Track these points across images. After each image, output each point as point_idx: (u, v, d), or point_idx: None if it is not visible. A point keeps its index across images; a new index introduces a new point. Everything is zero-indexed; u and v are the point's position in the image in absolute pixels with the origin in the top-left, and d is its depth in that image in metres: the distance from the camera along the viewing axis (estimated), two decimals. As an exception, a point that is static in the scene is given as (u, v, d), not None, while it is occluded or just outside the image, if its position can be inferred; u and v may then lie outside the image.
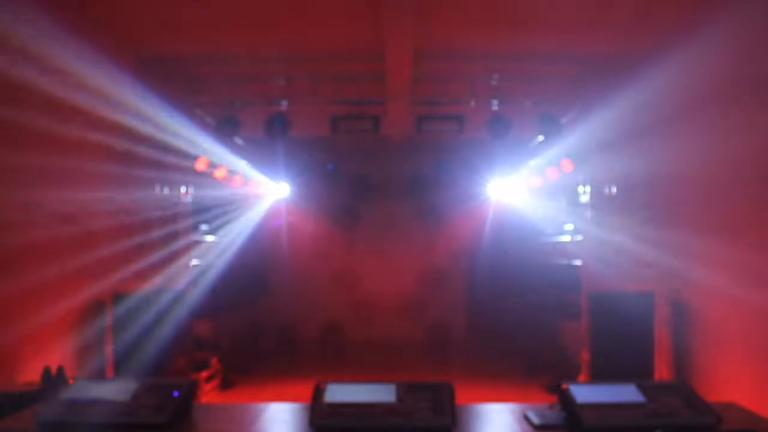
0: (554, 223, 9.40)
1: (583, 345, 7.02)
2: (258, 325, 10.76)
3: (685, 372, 6.20)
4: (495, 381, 8.41)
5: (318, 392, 2.94)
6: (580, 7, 5.31)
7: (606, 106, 6.47)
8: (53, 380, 5.00)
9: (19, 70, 4.59)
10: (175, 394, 2.94)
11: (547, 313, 9.35)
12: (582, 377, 6.96)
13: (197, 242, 8.48)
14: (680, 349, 6.34)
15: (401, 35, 5.65)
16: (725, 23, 4.66)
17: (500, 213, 10.61)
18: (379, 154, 10.74)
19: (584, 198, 8.48)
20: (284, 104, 7.38)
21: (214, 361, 8.05)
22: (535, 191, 9.59)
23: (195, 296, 7.23)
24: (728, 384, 5.35)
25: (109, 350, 5.96)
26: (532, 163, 8.90)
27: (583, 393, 2.92)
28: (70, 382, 3.10)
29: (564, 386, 2.96)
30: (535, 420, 2.89)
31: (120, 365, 5.88)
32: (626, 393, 2.96)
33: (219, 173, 8.36)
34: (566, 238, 9.11)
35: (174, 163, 7.56)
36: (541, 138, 8.27)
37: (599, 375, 6.52)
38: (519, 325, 10.18)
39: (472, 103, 7.30)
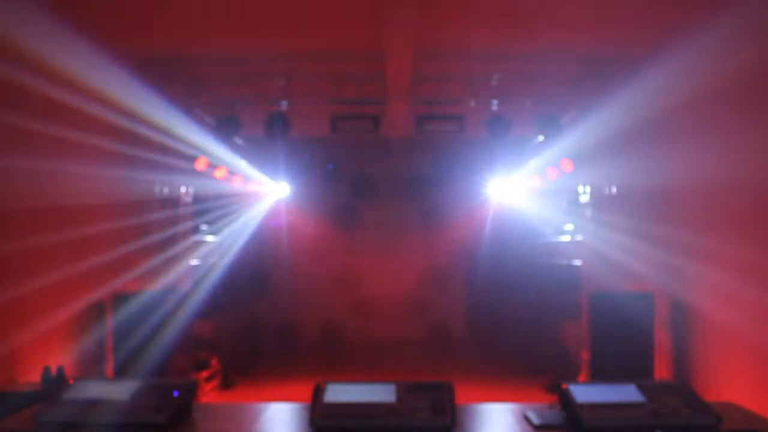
0: (554, 223, 9.40)
1: (583, 345, 7.03)
2: (258, 325, 10.76)
3: (685, 372, 6.20)
4: (495, 381, 8.41)
5: (318, 392, 2.94)
6: (580, 7, 5.30)
7: (606, 106, 6.47)
8: (53, 380, 5.01)
9: (19, 72, 4.59)
10: (175, 394, 2.94)
11: (547, 313, 9.35)
12: (582, 377, 6.96)
13: (197, 242, 8.48)
14: (680, 349, 6.34)
15: (401, 35, 5.64)
16: (726, 23, 4.66)
17: (500, 213, 10.61)
18: (379, 154, 10.73)
19: (584, 198, 8.48)
20: (284, 104, 7.38)
21: (214, 361, 8.05)
22: (535, 191, 9.59)
23: (195, 296, 7.24)
24: (728, 384, 5.35)
25: (109, 351, 5.96)
26: (532, 163, 8.90)
27: (583, 393, 2.92)
28: (70, 382, 3.10)
29: (564, 386, 2.96)
30: (535, 420, 2.89)
31: (120, 365, 5.88)
32: (626, 393, 2.96)
33: (219, 173, 8.36)
34: (566, 238, 9.10)
35: (174, 164, 7.56)
36: (541, 138, 8.27)
37: (599, 375, 6.52)
38: (519, 325, 10.17)
39: (472, 103, 7.30)
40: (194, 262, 8.16)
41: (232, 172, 8.80)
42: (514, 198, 9.97)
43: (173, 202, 7.87)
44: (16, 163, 4.86)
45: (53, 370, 5.12)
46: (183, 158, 7.54)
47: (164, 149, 7.09)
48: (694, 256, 5.86)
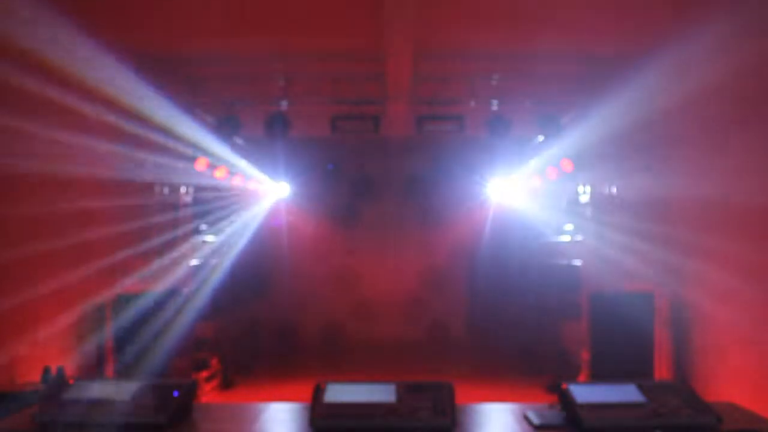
0: (554, 223, 9.40)
1: (583, 345, 7.02)
2: (258, 325, 10.75)
3: (685, 372, 6.20)
4: (495, 381, 8.41)
5: (318, 392, 2.94)
6: (580, 7, 5.31)
7: (606, 106, 6.47)
8: (53, 380, 5.00)
9: (17, 73, 4.59)
10: (175, 394, 2.94)
11: (547, 313, 9.35)
12: (582, 377, 6.96)
13: (197, 243, 8.48)
14: (680, 349, 6.34)
15: (401, 35, 5.65)
16: (726, 23, 4.66)
17: (500, 213, 10.61)
18: (379, 154, 10.73)
19: (584, 198, 8.48)
20: (284, 104, 7.38)
21: (214, 361, 8.05)
22: (535, 191, 9.59)
23: (195, 297, 7.24)
24: (728, 384, 5.35)
25: (109, 351, 5.96)
26: (532, 163, 8.90)
27: (583, 393, 2.92)
28: (70, 382, 3.10)
29: (564, 386, 2.96)
30: (535, 420, 2.89)
31: (120, 366, 5.88)
32: (626, 393, 2.96)
33: (219, 173, 8.36)
34: (566, 238, 9.10)
35: (174, 164, 7.56)
36: (541, 138, 8.27)
37: (599, 375, 6.52)
38: (519, 325, 10.17)
39: (472, 103, 7.30)
40: (194, 262, 8.16)
41: (232, 172, 8.80)
42: (514, 198, 9.97)
43: (173, 202, 7.87)
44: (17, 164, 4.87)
45: (53, 370, 5.13)
46: (183, 158, 7.54)
47: (164, 149, 7.09)
48: (694, 254, 5.86)
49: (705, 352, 5.92)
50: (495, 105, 7.32)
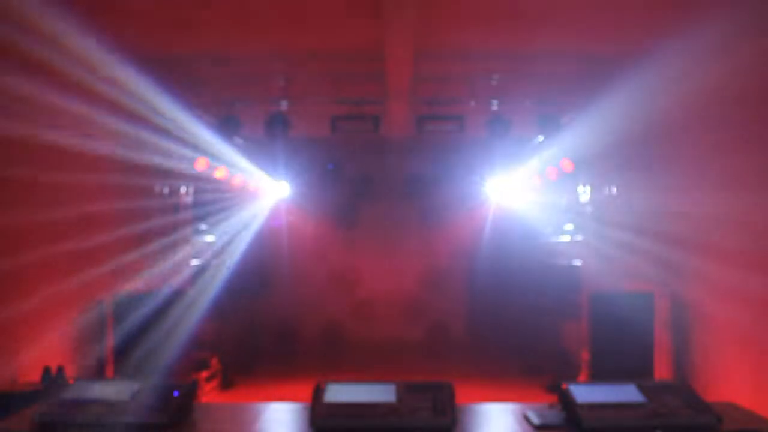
0: (554, 223, 9.40)
1: (583, 345, 7.03)
2: (258, 325, 10.76)
3: (685, 372, 6.20)
4: (495, 381, 8.41)
5: (318, 392, 2.94)
6: (580, 7, 5.31)
7: (606, 106, 6.47)
8: (53, 380, 5.01)
9: (17, 75, 4.59)
10: (175, 394, 2.94)
11: (547, 313, 9.35)
12: (582, 377, 6.96)
13: (197, 243, 8.48)
14: (680, 349, 6.34)
15: (401, 35, 5.64)
16: (726, 22, 4.66)
17: (500, 213, 10.61)
18: (379, 154, 10.73)
19: (584, 198, 8.48)
20: (284, 104, 7.38)
21: (214, 361, 8.05)
22: (535, 191, 9.59)
23: (195, 297, 7.24)
24: (728, 384, 5.35)
25: (109, 351, 5.96)
26: (532, 163, 8.90)
27: (583, 393, 2.92)
28: (70, 382, 3.10)
29: (564, 386, 2.96)
30: (535, 420, 2.90)
31: (120, 366, 5.88)
32: (626, 393, 2.97)
33: (219, 173, 8.36)
34: (566, 238, 9.11)
35: (174, 164, 7.56)
36: (541, 138, 8.27)
37: (599, 375, 6.52)
38: (519, 325, 10.17)
39: (472, 103, 7.29)
40: (194, 262, 8.17)
41: (232, 172, 8.80)
42: (514, 198, 9.97)
43: (173, 202, 7.87)
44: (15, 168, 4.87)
45: (53, 370, 5.12)
46: (183, 158, 7.54)
47: (164, 149, 7.09)
48: (694, 254, 5.86)
49: (705, 352, 5.92)
50: (495, 105, 7.32)
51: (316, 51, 6.53)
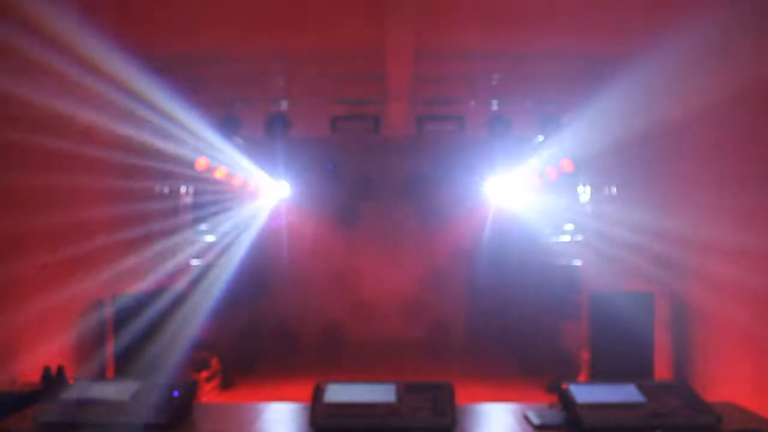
0: (554, 223, 9.40)
1: (583, 345, 7.02)
2: (258, 325, 10.76)
3: (685, 372, 6.20)
4: (495, 381, 8.41)
5: (318, 392, 2.94)
6: (580, 7, 5.31)
7: (606, 106, 6.47)
8: (53, 380, 5.00)
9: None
10: (175, 394, 2.94)
11: (547, 313, 9.35)
12: (582, 377, 6.96)
13: (197, 242, 8.48)
14: (680, 349, 6.34)
15: (401, 35, 5.64)
16: (727, 21, 4.66)
17: (500, 213, 10.61)
18: (379, 154, 10.73)
19: (584, 198, 8.48)
20: (284, 104, 7.38)
21: (214, 361, 8.05)
22: (535, 191, 9.59)
23: (195, 297, 7.24)
24: (728, 384, 5.35)
25: (109, 351, 5.96)
26: (532, 163, 8.90)
27: (583, 393, 2.92)
28: (70, 382, 3.10)
29: (564, 386, 2.96)
30: (535, 420, 2.90)
31: (120, 366, 5.88)
32: (626, 393, 2.97)
33: (219, 173, 8.36)
34: (566, 238, 9.10)
35: (174, 163, 7.56)
36: (541, 138, 8.27)
37: (599, 375, 6.52)
38: (519, 325, 10.17)
39: (472, 103, 7.29)
40: (194, 262, 8.17)
41: (232, 173, 8.80)
42: (514, 198, 9.97)
43: (173, 202, 7.87)
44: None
45: (53, 370, 5.12)
46: (183, 158, 7.54)
47: (164, 149, 7.09)
48: (694, 254, 5.86)
49: (705, 352, 5.92)
50: (495, 105, 7.31)
51: (316, 51, 6.53)
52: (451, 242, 11.68)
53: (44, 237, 5.19)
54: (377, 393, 2.93)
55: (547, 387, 7.53)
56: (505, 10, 5.42)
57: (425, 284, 11.72)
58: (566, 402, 2.90)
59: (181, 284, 7.17)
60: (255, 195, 10.22)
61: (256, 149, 9.13)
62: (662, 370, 6.36)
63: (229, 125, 7.33)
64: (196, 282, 7.81)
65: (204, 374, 7.60)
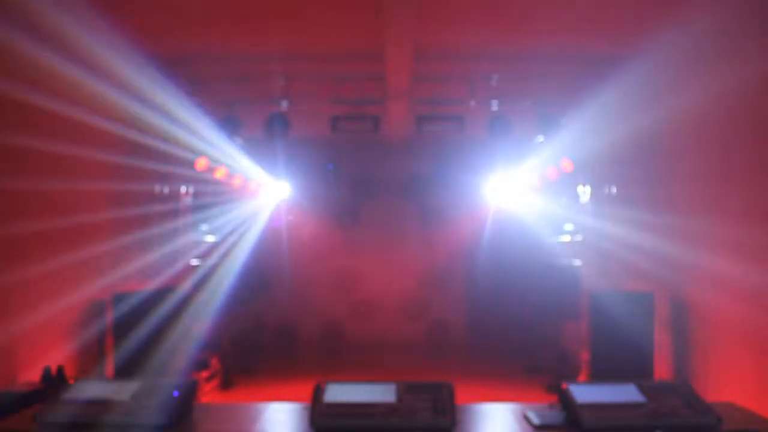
0: (554, 223, 9.40)
1: (583, 345, 7.03)
2: (258, 324, 10.76)
3: (685, 372, 6.20)
4: (495, 381, 8.41)
5: (318, 392, 2.94)
6: (580, 7, 5.30)
7: (606, 106, 6.47)
8: (53, 380, 5.00)
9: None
10: (175, 394, 2.94)
11: (547, 313, 9.35)
12: (582, 377, 6.96)
13: (197, 242, 8.48)
14: (680, 349, 6.34)
15: (401, 35, 5.64)
16: (727, 21, 4.67)
17: (500, 213, 10.61)
18: (379, 154, 10.73)
19: (584, 198, 8.48)
20: (284, 104, 7.38)
21: (214, 361, 8.05)
22: (535, 191, 9.59)
23: (195, 296, 7.24)
24: (728, 384, 5.35)
25: (109, 350, 5.96)
26: (532, 163, 8.90)
27: (583, 393, 2.92)
28: (70, 382, 3.11)
29: (564, 386, 2.96)
30: (535, 420, 2.90)
31: (120, 366, 5.87)
32: (626, 393, 2.97)
33: (219, 173, 8.36)
34: (566, 238, 9.10)
35: (174, 163, 7.56)
36: (541, 138, 8.27)
37: (599, 375, 6.52)
38: (519, 325, 10.17)
39: (472, 103, 7.29)
40: (194, 261, 8.17)
41: (232, 173, 8.80)
42: (514, 198, 9.97)
43: (173, 202, 7.87)
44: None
45: (53, 370, 5.12)
46: (183, 158, 7.54)
47: (164, 149, 7.09)
48: (694, 254, 5.86)
49: (705, 352, 5.92)
50: (495, 105, 7.31)
51: (316, 51, 6.53)
52: (451, 242, 11.67)
53: (44, 238, 5.19)
54: (377, 393, 2.93)
55: (547, 387, 7.53)
56: (505, 10, 5.42)
57: (425, 284, 11.72)
58: (566, 402, 2.90)
59: (182, 285, 7.17)
60: (255, 195, 10.22)
61: (256, 149, 9.13)
62: (662, 370, 6.37)
63: (229, 125, 7.34)
64: (197, 282, 7.81)
65: (204, 374, 7.60)
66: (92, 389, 3.03)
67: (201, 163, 7.84)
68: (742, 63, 4.95)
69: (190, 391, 3.03)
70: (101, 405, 2.87)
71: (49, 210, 5.31)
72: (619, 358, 6.22)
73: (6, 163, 4.88)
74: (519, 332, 10.02)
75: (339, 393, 2.94)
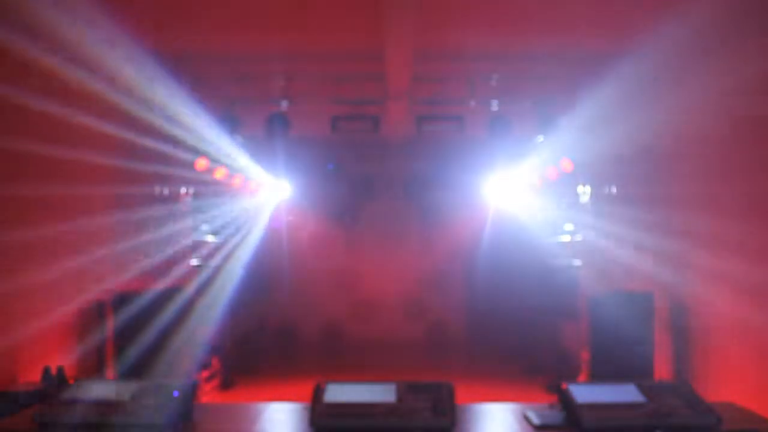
0: (554, 223, 9.39)
1: (583, 345, 7.02)
2: (258, 325, 10.75)
3: (685, 372, 6.20)
4: (495, 381, 8.41)
5: (318, 392, 2.94)
6: (580, 6, 5.30)
7: (606, 106, 6.47)
8: (53, 380, 5.01)
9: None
10: (175, 394, 2.94)
11: (547, 313, 9.35)
12: (582, 377, 6.96)
13: (197, 243, 8.47)
14: (680, 349, 6.34)
15: (401, 35, 5.64)
16: (727, 21, 4.66)
17: (500, 213, 10.60)
18: (379, 154, 10.73)
19: (584, 198, 8.48)
20: (284, 104, 7.38)
21: (214, 361, 8.05)
22: (534, 191, 9.59)
23: (195, 297, 7.23)
24: (728, 384, 5.35)
25: (109, 351, 5.96)
26: (532, 163, 8.90)
27: (583, 393, 2.92)
28: (70, 382, 3.11)
29: (564, 386, 2.96)
30: (535, 420, 2.90)
31: (120, 366, 5.87)
32: (626, 393, 2.97)
33: (219, 173, 8.36)
34: (566, 239, 9.10)
35: (174, 164, 7.55)
36: (541, 138, 8.27)
37: (599, 375, 6.52)
38: (519, 325, 10.16)
39: (472, 103, 7.29)
40: (194, 262, 8.16)
41: (232, 172, 8.80)
42: (513, 198, 9.97)
43: (174, 202, 7.87)
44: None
45: (53, 370, 5.13)
46: (183, 159, 7.54)
47: (164, 150, 7.08)
48: (694, 255, 5.86)
49: (705, 352, 5.92)
50: (495, 105, 7.31)
51: (316, 51, 6.53)
52: (451, 242, 11.67)
53: (46, 241, 5.18)
54: (377, 393, 2.93)
55: (547, 387, 7.52)
56: (505, 10, 5.42)
57: (425, 284, 11.72)
58: (566, 402, 2.90)
59: (184, 286, 7.17)
60: (255, 195, 10.21)
61: (256, 149, 9.13)
62: (662, 370, 6.36)
63: (229, 125, 7.34)
64: (198, 283, 7.81)
65: (204, 374, 7.59)
66: (92, 389, 3.03)
67: (201, 164, 7.84)
68: (742, 62, 4.94)
69: (190, 391, 3.03)
70: (101, 405, 2.87)
71: (50, 213, 5.31)
72: (619, 358, 6.22)
73: (7, 168, 4.88)
74: (519, 332, 10.01)
75: (339, 393, 2.94)
